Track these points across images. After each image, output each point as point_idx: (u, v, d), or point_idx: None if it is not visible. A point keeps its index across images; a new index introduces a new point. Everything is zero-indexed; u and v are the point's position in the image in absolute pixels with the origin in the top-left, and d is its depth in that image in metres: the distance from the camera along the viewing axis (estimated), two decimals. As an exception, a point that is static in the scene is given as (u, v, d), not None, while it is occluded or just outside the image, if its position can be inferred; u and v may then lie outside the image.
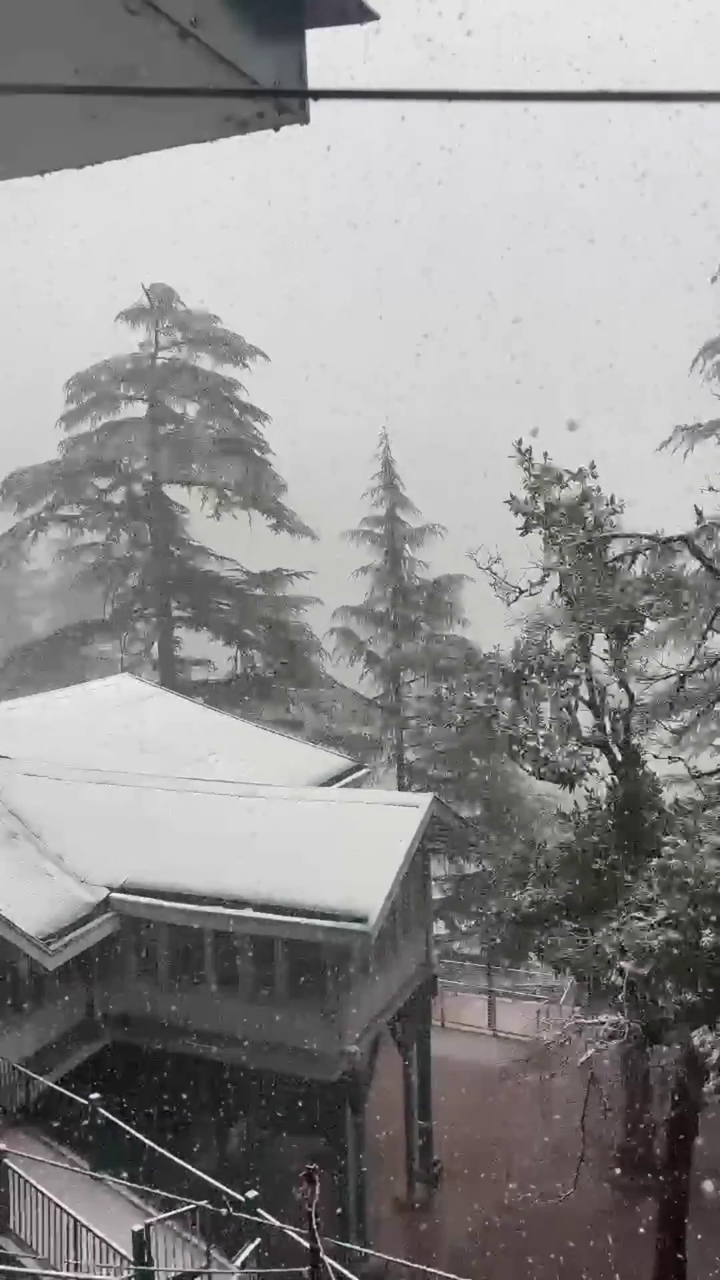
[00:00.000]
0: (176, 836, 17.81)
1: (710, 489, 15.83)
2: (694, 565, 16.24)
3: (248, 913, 16.04)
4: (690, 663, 16.14)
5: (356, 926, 15.38)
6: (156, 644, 35.98)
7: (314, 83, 2.00)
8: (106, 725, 22.74)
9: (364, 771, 25.56)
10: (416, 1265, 15.80)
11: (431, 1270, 15.35)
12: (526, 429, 16.55)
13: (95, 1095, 14.01)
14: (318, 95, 1.76)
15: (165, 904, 16.61)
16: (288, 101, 1.94)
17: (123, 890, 16.92)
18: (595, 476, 16.69)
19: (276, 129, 2.07)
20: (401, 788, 32.26)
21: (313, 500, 35.89)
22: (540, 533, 16.68)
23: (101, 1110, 13.77)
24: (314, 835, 17.53)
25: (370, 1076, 17.40)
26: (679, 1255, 15.63)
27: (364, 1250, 15.29)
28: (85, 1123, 14.02)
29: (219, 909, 16.26)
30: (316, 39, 2.05)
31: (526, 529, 16.78)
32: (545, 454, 16.86)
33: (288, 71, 2.03)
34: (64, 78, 1.77)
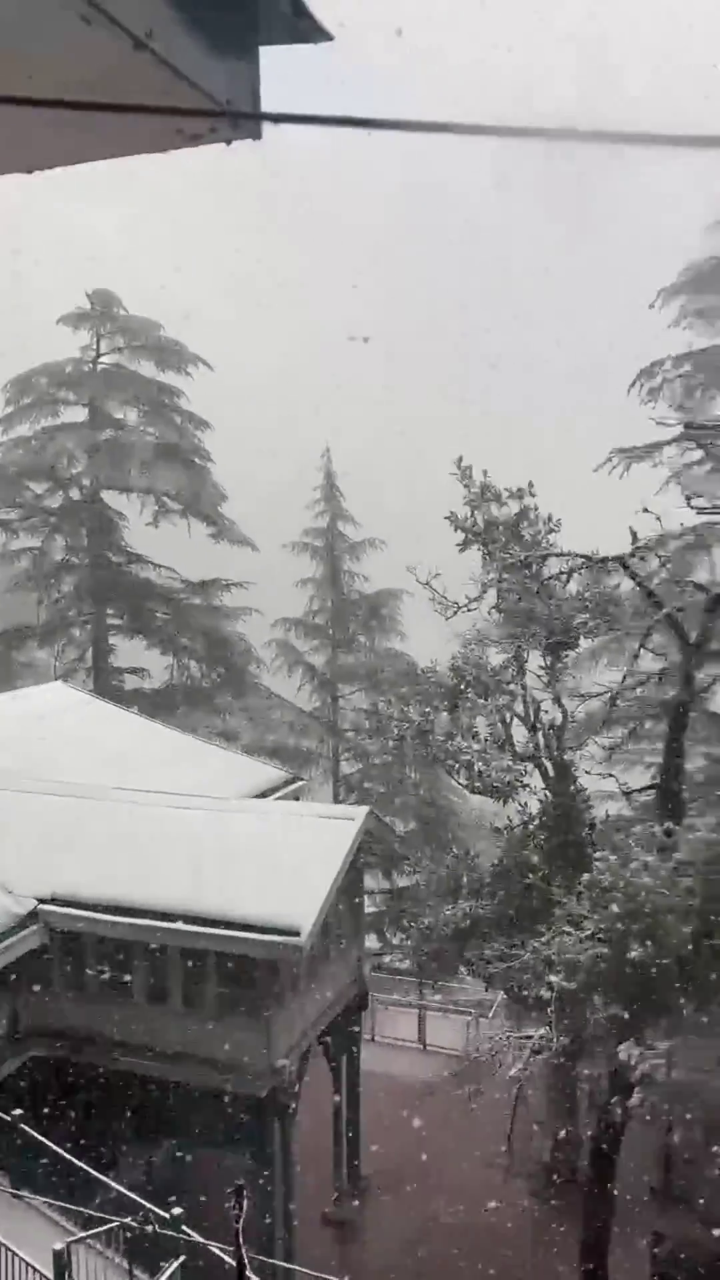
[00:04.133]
0: (108, 847, 17.57)
1: (645, 510, 16.16)
2: (628, 585, 16.53)
3: (179, 925, 15.86)
4: (623, 680, 16.40)
5: (289, 940, 15.30)
6: (91, 651, 35.55)
7: (272, 99, 2.01)
8: (38, 733, 22.38)
9: (300, 784, 25.48)
10: (342, 1281, 15.74)
11: (357, 1286, 15.29)
12: (468, 445, 16.74)
13: (17, 1111, 13.72)
14: (270, 118, 1.77)
15: (95, 916, 16.36)
16: (241, 120, 1.96)
17: (52, 901, 16.63)
18: (533, 495, 16.93)
19: (229, 143, 2.08)
20: (337, 800, 32.25)
21: (253, 511, 35.83)
22: (479, 549, 16.87)
23: (23, 1126, 13.49)
24: (248, 847, 17.42)
25: (299, 1091, 17.31)
26: (602, 1269, 15.79)
27: (290, 1267, 15.17)
28: (5, 1139, 13.73)
29: (150, 921, 16.06)
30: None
31: (465, 545, 16.95)
32: (484, 472, 17.06)
33: (241, 87, 2.04)
34: (17, 86, 1.76)
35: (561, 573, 17.35)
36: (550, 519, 16.99)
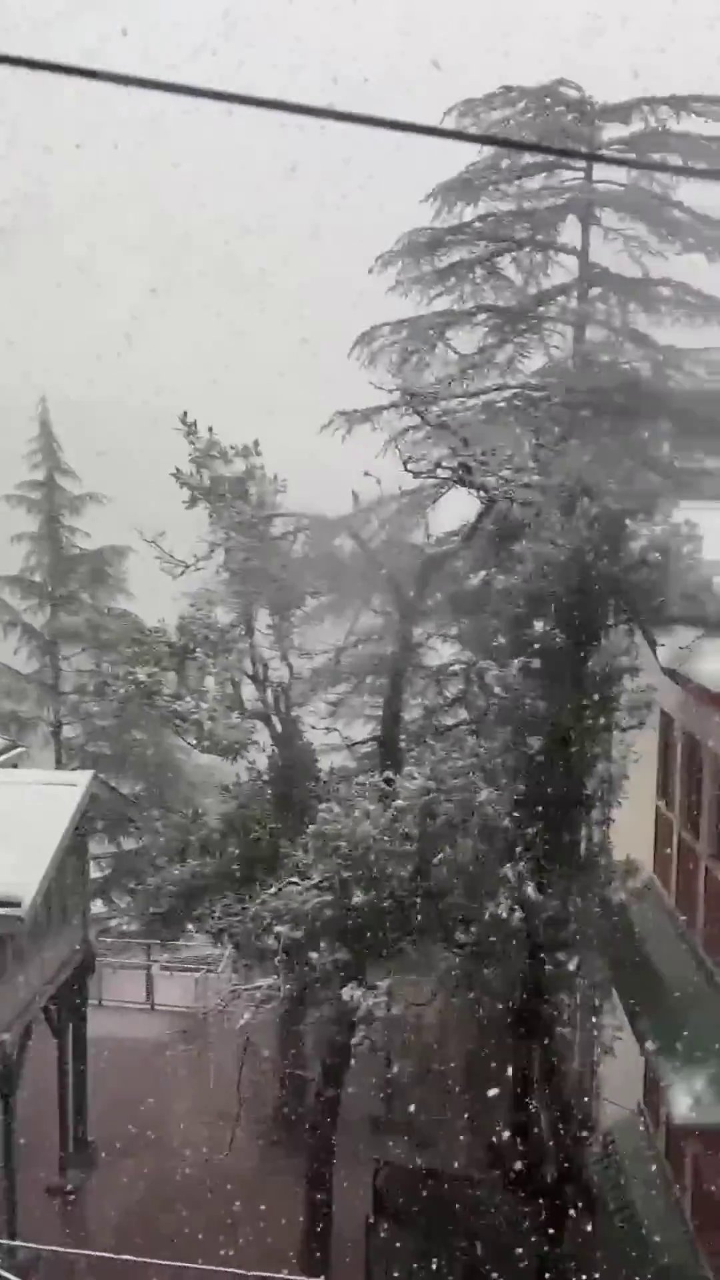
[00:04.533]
0: None
1: (366, 474, 16.65)
2: (351, 546, 16.98)
3: None
4: (346, 638, 16.90)
5: (9, 911, 14.78)
6: None
7: None
8: None
9: (18, 750, 24.53)
10: (72, 1251, 15.54)
11: (84, 1252, 15.16)
12: (199, 399, 16.53)
13: None
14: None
15: None
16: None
17: None
18: (259, 454, 16.99)
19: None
20: (60, 766, 31.24)
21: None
22: (206, 507, 16.77)
23: None
24: (-37, 817, 16.58)
25: (22, 1064, 16.81)
26: (326, 1205, 16.51)
27: (12, 1244, 14.79)
28: None
29: None
30: None
31: (192, 502, 16.80)
32: (210, 429, 16.93)
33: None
34: None
35: (288, 533, 17.59)
36: (276, 479, 17.14)
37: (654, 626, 14.01)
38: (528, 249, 25.07)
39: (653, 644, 13.92)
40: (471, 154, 23.86)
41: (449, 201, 24.31)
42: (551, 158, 23.34)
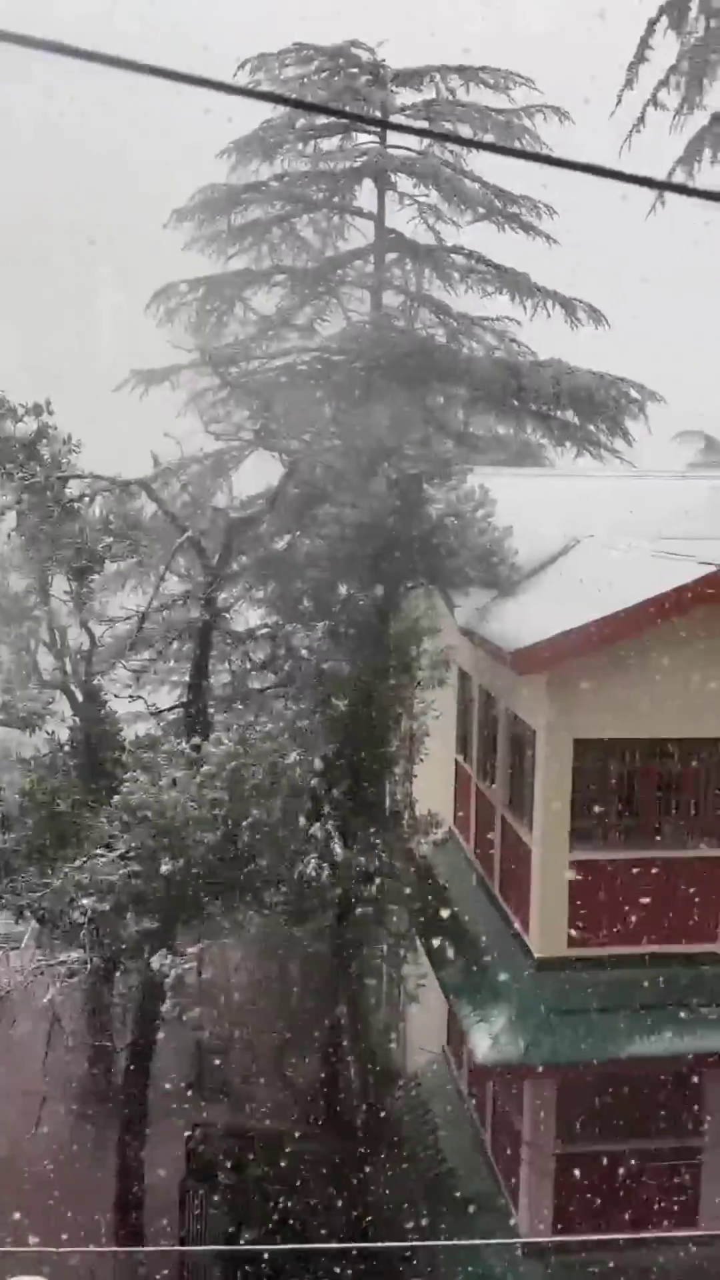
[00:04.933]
0: None
1: (166, 435, 16.30)
2: (151, 509, 16.62)
3: None
4: (149, 604, 16.54)
5: None
6: None
7: None
8: None
9: None
10: None
11: None
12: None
13: None
14: None
15: None
16: None
17: None
18: (51, 413, 16.31)
19: None
20: None
21: None
22: (-6, 468, 15.98)
23: None
24: None
25: None
26: (138, 1174, 16.42)
27: None
28: None
29: None
30: None
31: (-20, 463, 15.96)
32: (-2, 386, 16.10)
33: None
34: None
35: (84, 495, 16.99)
36: (70, 439, 16.50)
37: (451, 588, 14.48)
38: (324, 211, 25.04)
39: (450, 605, 14.38)
40: (266, 110, 23.54)
41: (245, 158, 23.95)
42: (346, 119, 23.33)
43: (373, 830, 13.28)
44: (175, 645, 17.29)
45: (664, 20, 17.50)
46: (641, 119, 18.83)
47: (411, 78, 23.63)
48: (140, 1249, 14.64)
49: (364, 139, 24.23)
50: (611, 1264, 12.03)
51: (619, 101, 15.86)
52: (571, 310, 24.20)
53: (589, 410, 24.46)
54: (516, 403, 24.15)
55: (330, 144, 24.29)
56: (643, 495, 17.32)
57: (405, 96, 24.06)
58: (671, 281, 41.85)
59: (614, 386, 24.35)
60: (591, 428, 25.09)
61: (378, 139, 24.23)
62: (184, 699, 15.76)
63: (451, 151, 23.79)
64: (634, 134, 16.28)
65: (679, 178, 18.78)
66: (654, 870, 12.34)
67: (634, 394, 24.75)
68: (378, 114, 23.30)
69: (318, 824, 12.67)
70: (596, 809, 12.31)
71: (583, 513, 15.47)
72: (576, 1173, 12.55)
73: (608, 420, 24.93)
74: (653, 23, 17.59)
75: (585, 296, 24.33)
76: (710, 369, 37.72)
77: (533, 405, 24.31)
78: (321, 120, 23.76)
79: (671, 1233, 11.93)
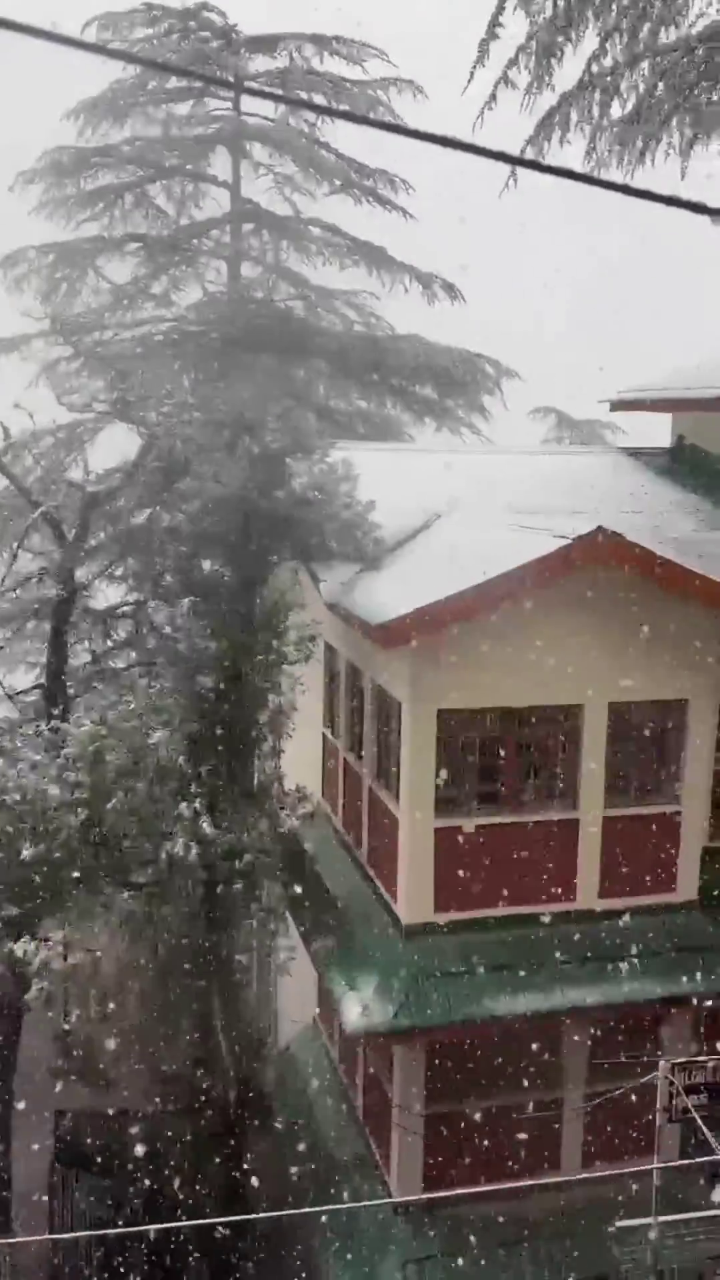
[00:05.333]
0: None
1: (16, 406, 15.72)
2: (3, 483, 16.04)
3: None
4: (1, 582, 15.97)
5: None
6: None
7: None
8: None
9: None
10: None
11: None
12: None
13: None
14: None
15: None
16: None
17: None
18: None
19: None
20: None
21: None
22: None
23: None
24: None
25: None
26: (3, 1163, 16.06)
27: None
28: None
29: None
30: None
31: None
32: None
33: None
34: None
35: (-71, 469, 16.25)
36: None
37: (315, 562, 14.49)
38: (178, 178, 24.52)
39: (315, 579, 14.39)
40: (116, 70, 22.86)
41: (93, 121, 23.22)
42: (199, 84, 22.87)
43: (241, 807, 13.24)
44: (32, 625, 16.77)
45: (514, -3, 17.63)
46: (493, 97, 19.01)
47: (265, 44, 23.31)
48: (9, 1239, 14.36)
49: (216, 105, 23.81)
50: (482, 1215, 12.45)
51: (470, 79, 15.93)
52: (428, 285, 24.44)
53: (447, 386, 24.78)
54: (377, 377, 24.29)
55: (183, 109, 23.78)
56: (501, 469, 17.67)
57: (259, 64, 23.73)
58: (530, 260, 42.91)
59: (471, 363, 24.73)
60: (450, 403, 25.44)
61: (231, 105, 23.84)
62: (42, 680, 15.30)
63: (307, 122, 23.62)
64: (485, 111, 16.42)
65: (530, 156, 19.04)
66: (515, 834, 12.72)
67: (490, 370, 25.19)
68: (231, 79, 22.92)
69: (185, 803, 12.54)
70: (460, 778, 12.59)
71: (444, 487, 15.68)
72: (444, 1131, 12.91)
73: (466, 396, 25.31)
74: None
75: (441, 273, 24.61)
76: (561, 348, 38.76)
77: (393, 380, 24.50)
78: (173, 83, 23.22)
79: (536, 1180, 12.40)
